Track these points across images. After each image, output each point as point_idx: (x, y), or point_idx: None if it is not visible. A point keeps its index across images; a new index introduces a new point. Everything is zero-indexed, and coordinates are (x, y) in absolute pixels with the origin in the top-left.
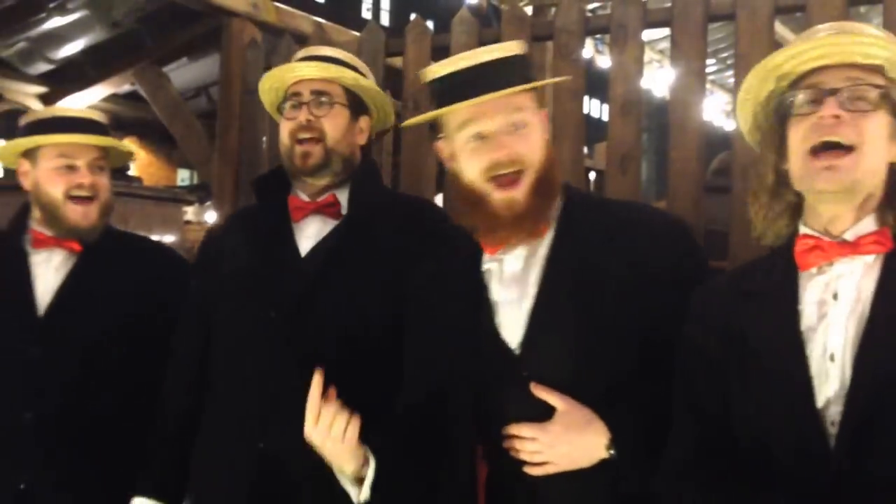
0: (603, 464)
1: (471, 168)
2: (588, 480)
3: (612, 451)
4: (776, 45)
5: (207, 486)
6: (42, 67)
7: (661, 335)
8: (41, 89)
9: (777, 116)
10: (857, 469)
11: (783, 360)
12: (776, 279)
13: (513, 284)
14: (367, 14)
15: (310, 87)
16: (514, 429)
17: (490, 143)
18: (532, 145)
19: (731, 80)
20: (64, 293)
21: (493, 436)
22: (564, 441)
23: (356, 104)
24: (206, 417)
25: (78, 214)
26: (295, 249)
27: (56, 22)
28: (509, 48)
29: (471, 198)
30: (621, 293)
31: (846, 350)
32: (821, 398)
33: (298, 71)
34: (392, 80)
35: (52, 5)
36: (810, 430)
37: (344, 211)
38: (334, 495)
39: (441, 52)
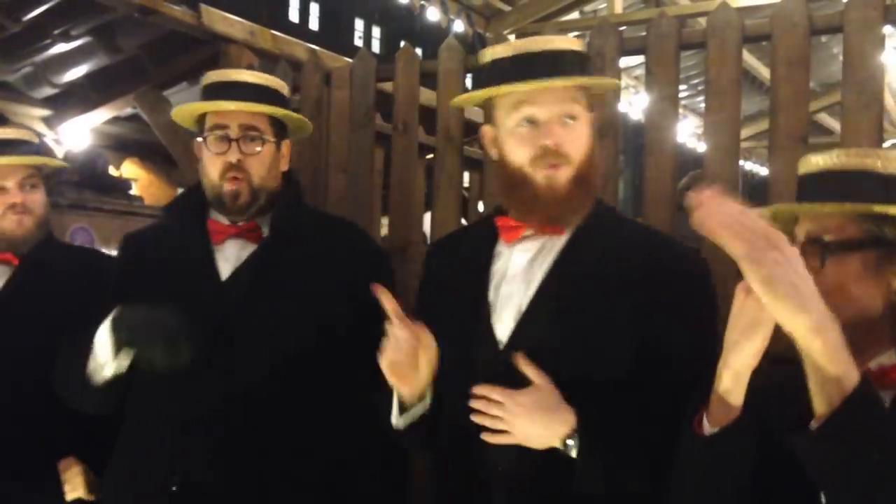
0: (558, 458)
1: (518, 153)
2: (543, 473)
3: (568, 443)
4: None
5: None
6: (46, 91)
7: (650, 358)
8: (45, 112)
9: None
10: None
11: None
12: None
13: (517, 277)
14: (358, 41)
15: (238, 121)
16: (484, 389)
17: (541, 129)
18: (578, 140)
19: (702, 105)
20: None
21: (461, 429)
22: (528, 415)
23: (280, 131)
24: (120, 437)
25: (13, 223)
26: (216, 274)
27: (60, 48)
28: (572, 43)
29: (514, 180)
30: (620, 309)
31: None
32: None
33: (226, 106)
34: (383, 104)
35: (56, 32)
36: None
37: (266, 233)
38: None
39: (429, 78)
